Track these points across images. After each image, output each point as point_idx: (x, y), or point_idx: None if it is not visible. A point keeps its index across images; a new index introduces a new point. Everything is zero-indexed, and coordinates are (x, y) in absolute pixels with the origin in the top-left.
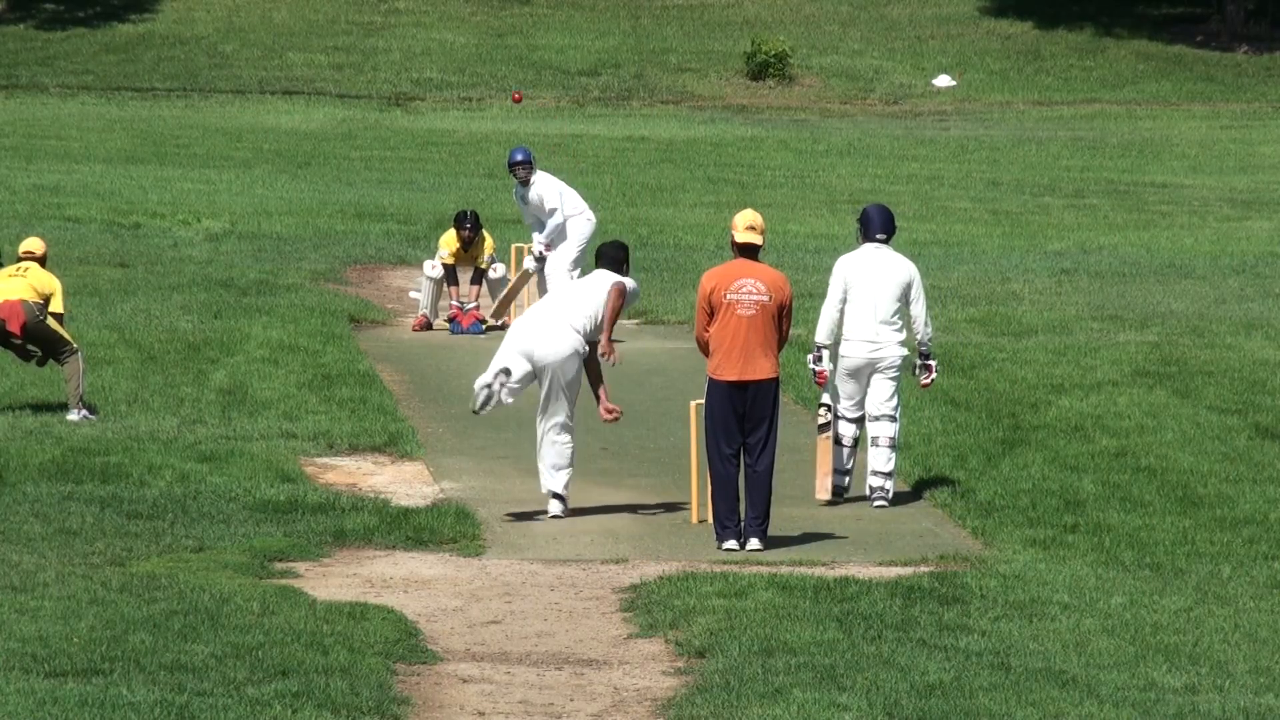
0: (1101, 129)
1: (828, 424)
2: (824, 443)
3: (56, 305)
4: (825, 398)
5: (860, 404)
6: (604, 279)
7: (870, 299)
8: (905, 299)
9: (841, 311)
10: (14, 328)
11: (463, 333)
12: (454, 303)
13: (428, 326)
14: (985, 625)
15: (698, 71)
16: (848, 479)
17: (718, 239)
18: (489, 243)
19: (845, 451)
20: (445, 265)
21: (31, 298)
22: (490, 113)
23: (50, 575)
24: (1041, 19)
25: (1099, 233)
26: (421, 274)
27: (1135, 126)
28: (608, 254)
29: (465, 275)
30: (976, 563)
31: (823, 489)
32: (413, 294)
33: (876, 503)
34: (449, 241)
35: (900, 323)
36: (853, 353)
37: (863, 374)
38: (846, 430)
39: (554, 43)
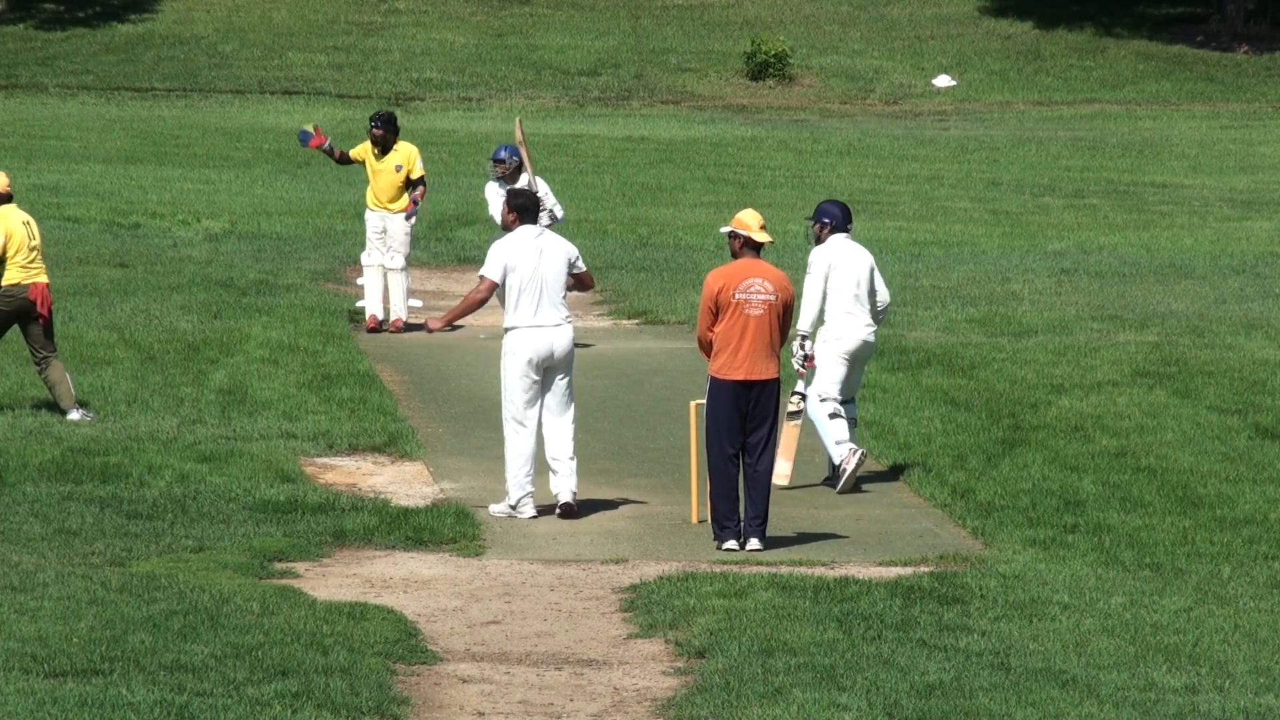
0: (1101, 129)
1: (799, 412)
2: (792, 430)
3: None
4: (801, 386)
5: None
6: (555, 250)
7: (858, 285)
8: (873, 285)
9: (824, 300)
10: (44, 310)
11: (307, 148)
12: (329, 146)
13: (389, 326)
14: (985, 625)
15: (698, 71)
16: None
17: (717, 239)
18: (413, 153)
19: (847, 424)
20: (353, 159)
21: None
22: (490, 113)
23: (50, 575)
24: (1041, 19)
25: (1099, 233)
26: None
27: (1135, 126)
28: (530, 207)
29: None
30: (976, 563)
31: (782, 475)
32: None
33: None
34: (362, 148)
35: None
36: (850, 335)
37: (857, 358)
38: (845, 411)
39: (554, 43)
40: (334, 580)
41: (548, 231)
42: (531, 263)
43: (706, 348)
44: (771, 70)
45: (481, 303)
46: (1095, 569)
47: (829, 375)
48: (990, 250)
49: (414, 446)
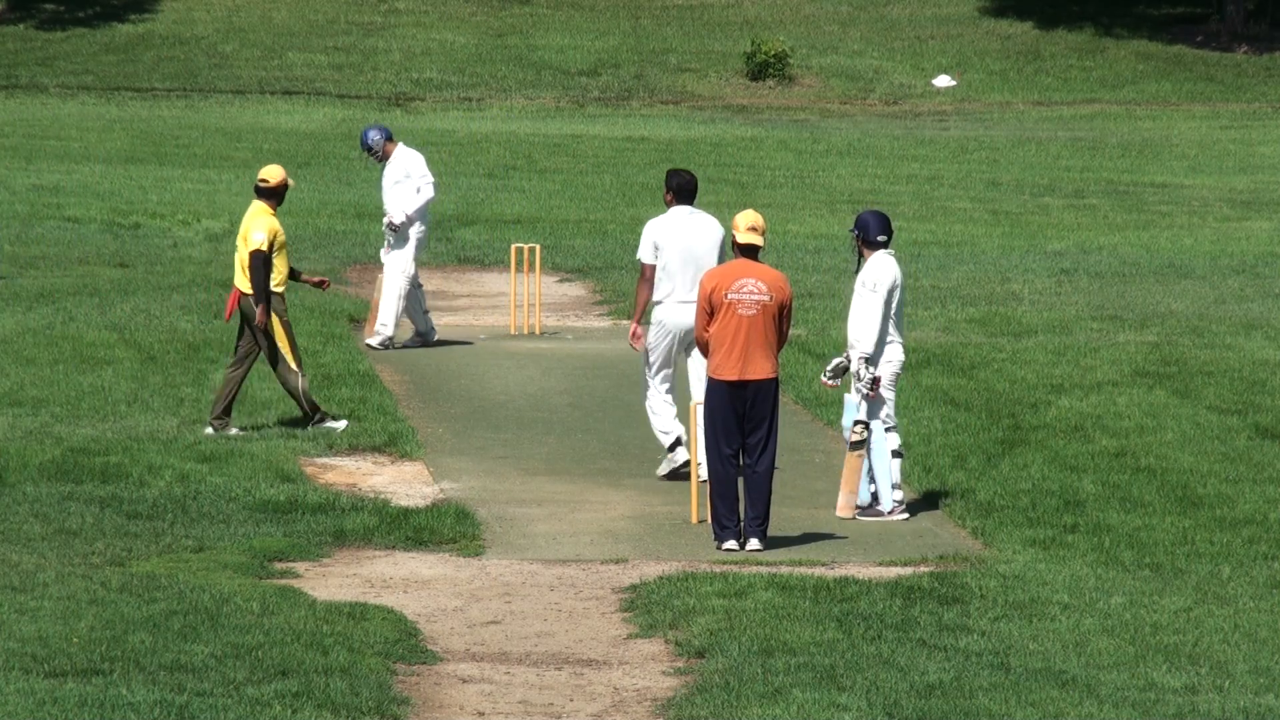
0: (1101, 129)
1: (863, 442)
2: (855, 460)
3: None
4: (863, 413)
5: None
6: (707, 228)
7: (900, 302)
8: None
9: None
10: (226, 315)
11: None
12: None
13: None
14: (985, 625)
15: (698, 71)
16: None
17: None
18: None
19: (899, 463)
20: None
21: (239, 277)
22: (490, 113)
23: (50, 575)
24: (1041, 19)
25: (1099, 233)
26: None
27: (1135, 126)
28: (686, 187)
29: None
30: (976, 563)
31: (846, 507)
32: None
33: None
34: None
35: None
36: (899, 356)
37: (898, 379)
38: (895, 440)
39: (554, 43)
40: (334, 580)
41: (699, 211)
42: (683, 241)
43: (704, 348)
44: (771, 70)
45: (651, 289)
46: (1095, 569)
47: (886, 397)
48: (990, 250)
49: (414, 446)
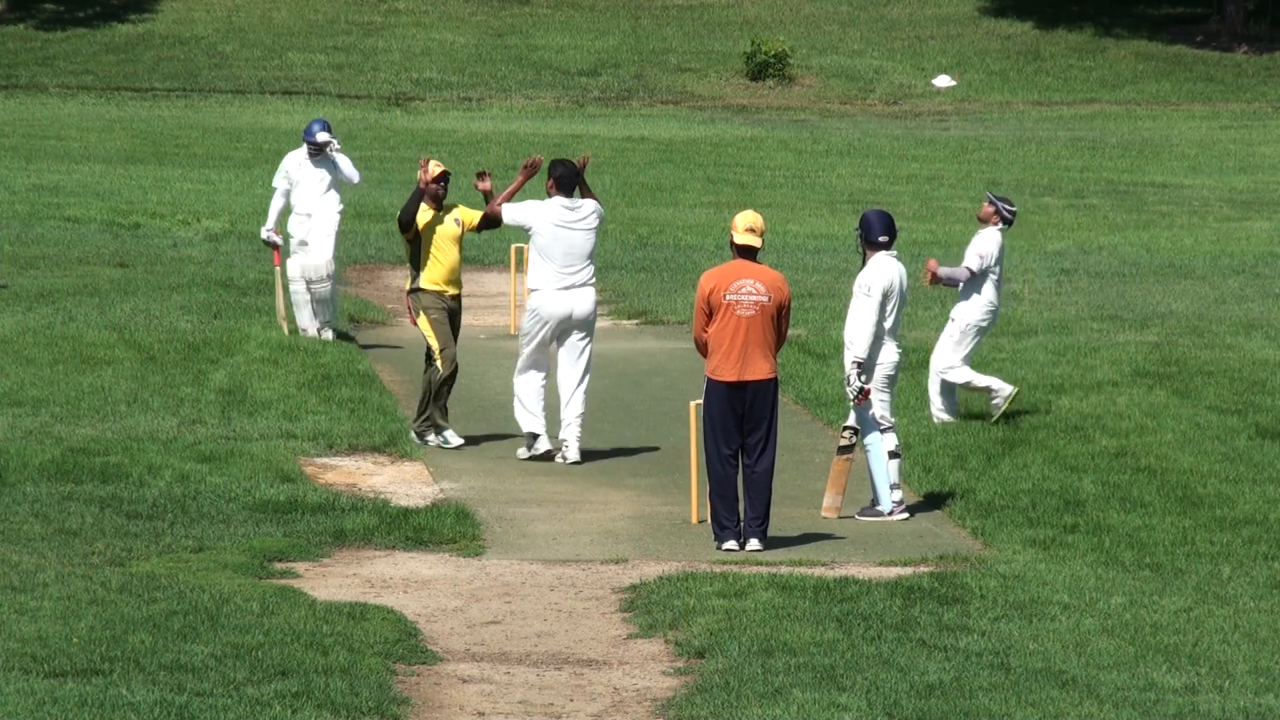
0: (1101, 129)
1: (850, 446)
2: (842, 463)
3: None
4: (853, 420)
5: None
6: (584, 220)
7: (900, 304)
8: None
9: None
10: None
11: None
12: None
13: None
14: (985, 625)
15: (698, 71)
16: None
17: (718, 239)
18: None
19: (898, 464)
20: None
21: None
22: (490, 113)
23: (50, 575)
24: (1041, 19)
25: (1099, 233)
26: None
27: (1135, 126)
28: (568, 178)
29: None
30: (976, 563)
31: (831, 508)
32: None
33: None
34: None
35: None
36: (890, 358)
37: (894, 380)
38: (892, 440)
39: (554, 43)
40: (334, 580)
41: (577, 200)
42: (563, 231)
43: (703, 348)
44: (771, 70)
45: (488, 212)
46: (1095, 569)
47: (877, 399)
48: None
49: (414, 447)
